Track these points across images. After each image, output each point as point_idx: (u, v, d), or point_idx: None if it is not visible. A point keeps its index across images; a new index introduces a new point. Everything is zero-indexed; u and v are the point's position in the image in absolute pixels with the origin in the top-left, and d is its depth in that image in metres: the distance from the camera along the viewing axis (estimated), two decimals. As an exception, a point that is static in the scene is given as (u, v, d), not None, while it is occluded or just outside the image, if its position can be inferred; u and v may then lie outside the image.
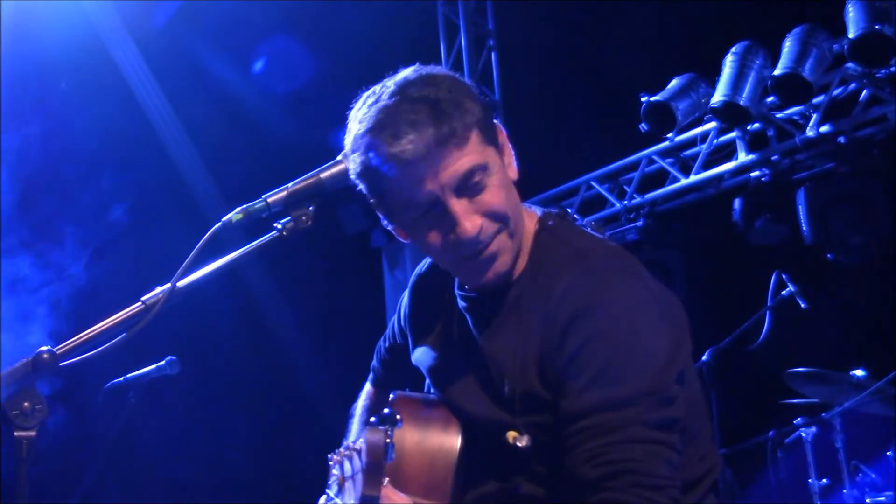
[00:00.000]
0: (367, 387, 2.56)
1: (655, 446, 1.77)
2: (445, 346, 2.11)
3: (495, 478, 1.97)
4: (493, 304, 1.98)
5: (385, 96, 1.85)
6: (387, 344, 2.42)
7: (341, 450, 1.88)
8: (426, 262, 2.25)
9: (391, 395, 2.12)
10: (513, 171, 1.94)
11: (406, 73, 1.91)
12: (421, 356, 2.17)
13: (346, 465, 1.84)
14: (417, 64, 1.94)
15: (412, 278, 2.29)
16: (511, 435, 1.90)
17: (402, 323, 2.30)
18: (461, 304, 2.05)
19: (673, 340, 1.84)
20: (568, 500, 1.82)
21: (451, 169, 1.83)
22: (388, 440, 1.73)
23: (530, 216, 2.02)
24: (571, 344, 1.81)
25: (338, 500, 1.78)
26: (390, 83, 1.89)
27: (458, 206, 1.84)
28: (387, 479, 1.83)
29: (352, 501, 1.74)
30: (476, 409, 1.99)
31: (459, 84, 1.89)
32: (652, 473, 1.75)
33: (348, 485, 1.83)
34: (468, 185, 1.85)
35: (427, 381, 2.19)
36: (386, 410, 1.77)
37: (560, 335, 1.82)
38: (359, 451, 1.79)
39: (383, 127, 1.82)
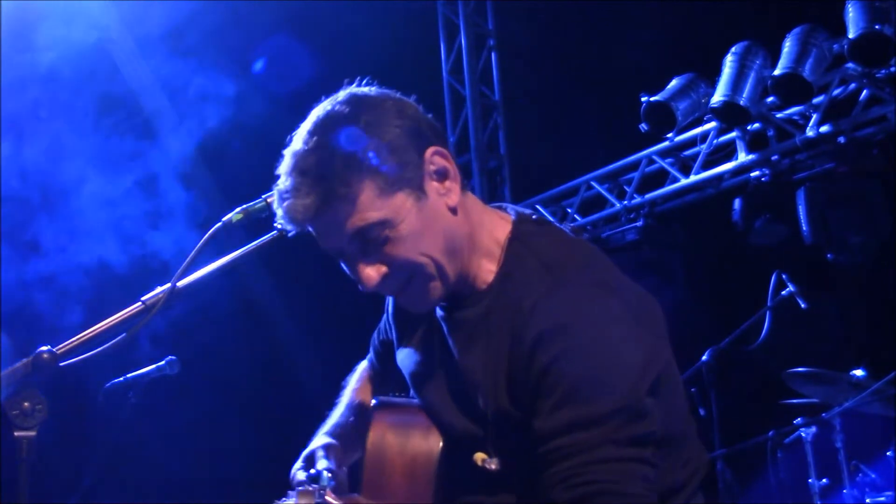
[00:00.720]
0: (364, 366, 2.53)
1: (628, 464, 1.74)
2: (426, 353, 2.08)
3: (469, 492, 1.96)
4: (464, 316, 1.94)
5: (288, 148, 1.89)
6: (380, 337, 2.40)
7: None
8: None
9: (374, 402, 2.11)
10: (451, 199, 1.86)
11: (318, 111, 1.88)
12: (403, 359, 2.15)
13: None
14: (345, 87, 1.90)
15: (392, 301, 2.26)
16: (479, 457, 1.88)
17: (389, 319, 2.28)
18: (438, 312, 2.01)
19: (645, 352, 1.79)
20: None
21: (341, 230, 1.80)
22: (318, 499, 1.78)
23: (501, 222, 1.97)
24: (540, 363, 1.77)
25: None
26: (301, 128, 1.88)
27: (355, 260, 1.84)
28: None
29: None
30: (452, 421, 1.97)
31: (364, 125, 1.80)
32: (625, 493, 1.73)
33: None
34: (366, 241, 1.81)
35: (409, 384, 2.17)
36: (313, 470, 1.84)
37: (529, 353, 1.78)
38: None
39: (280, 187, 1.84)
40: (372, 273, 1.83)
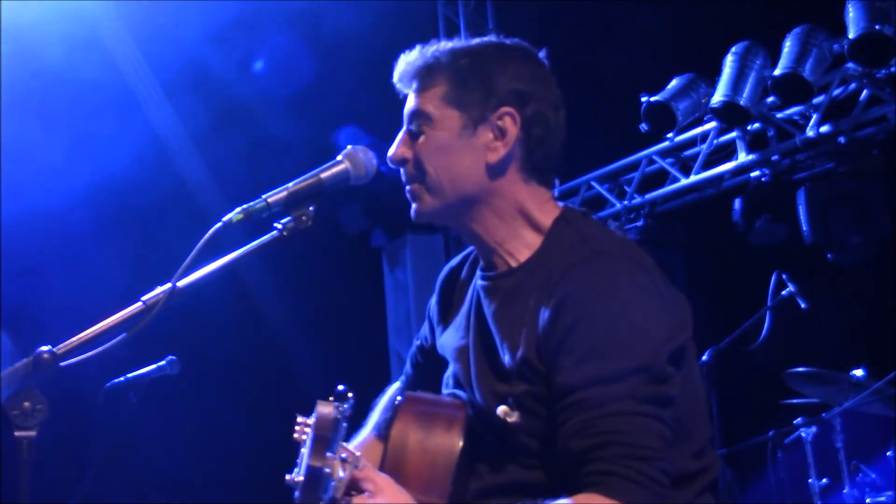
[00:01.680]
0: (395, 386, 2.58)
1: (645, 419, 1.80)
2: (464, 327, 2.15)
3: (493, 469, 1.99)
4: (504, 283, 2.04)
5: None
6: (418, 343, 2.45)
7: (299, 426, 1.92)
8: (458, 255, 2.31)
9: (399, 398, 2.14)
10: (492, 157, 2.02)
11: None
12: (444, 341, 2.22)
13: (305, 440, 1.88)
14: (517, 39, 2.14)
15: (441, 272, 2.34)
16: (502, 410, 1.94)
17: (431, 317, 2.34)
18: (480, 283, 2.11)
19: (669, 325, 1.89)
20: (559, 477, 1.84)
21: (408, 103, 2.08)
22: (337, 415, 1.76)
23: (551, 205, 2.08)
24: (567, 319, 1.86)
25: (294, 474, 1.81)
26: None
27: (402, 132, 2.09)
28: (362, 460, 1.86)
29: (301, 476, 1.77)
30: (480, 386, 2.03)
31: (474, 49, 2.06)
32: (640, 444, 1.78)
33: (302, 458, 1.87)
34: (409, 124, 2.07)
35: (447, 369, 2.22)
36: (340, 387, 1.81)
37: (557, 310, 1.87)
38: (310, 425, 1.82)
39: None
40: (399, 149, 2.08)
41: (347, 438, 2.07)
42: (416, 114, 2.04)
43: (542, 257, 2.00)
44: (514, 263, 2.04)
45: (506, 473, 1.98)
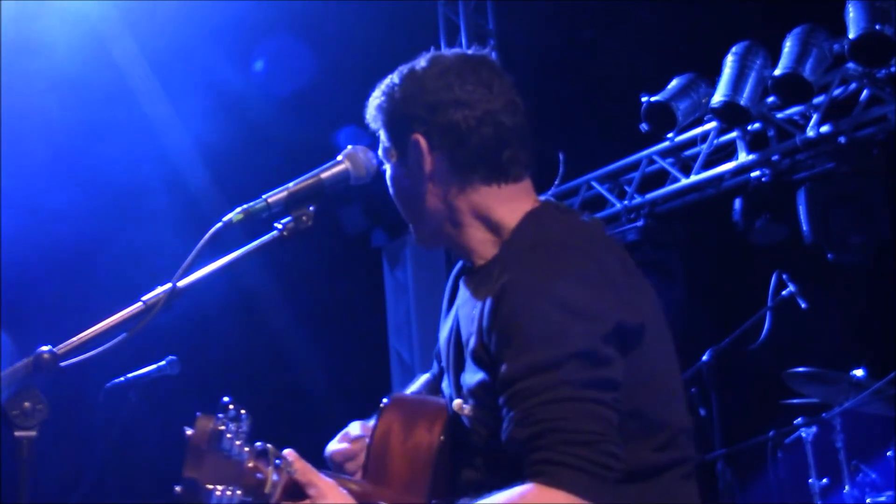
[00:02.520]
0: (425, 376, 2.59)
1: (584, 404, 1.78)
2: (450, 329, 2.18)
3: (466, 466, 2.02)
4: (469, 281, 2.11)
5: None
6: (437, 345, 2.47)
7: None
8: None
9: (385, 400, 2.16)
10: (424, 178, 2.08)
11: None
12: (440, 336, 2.27)
13: None
14: (431, 50, 2.16)
15: (452, 272, 2.37)
16: (457, 403, 1.99)
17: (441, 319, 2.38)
18: (462, 280, 2.17)
19: (606, 307, 1.87)
20: (509, 472, 1.84)
21: None
22: (218, 424, 1.80)
23: (523, 205, 2.08)
24: (503, 312, 1.88)
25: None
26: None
27: None
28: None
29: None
30: (450, 380, 2.09)
31: (389, 87, 2.12)
32: (579, 430, 1.76)
33: None
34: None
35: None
36: (225, 399, 1.85)
37: (496, 305, 1.90)
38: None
39: None
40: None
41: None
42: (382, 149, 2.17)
43: (503, 253, 2.03)
44: (481, 262, 2.08)
45: (471, 469, 2.00)
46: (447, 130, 2.03)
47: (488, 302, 1.92)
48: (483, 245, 2.08)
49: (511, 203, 2.07)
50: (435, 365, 2.46)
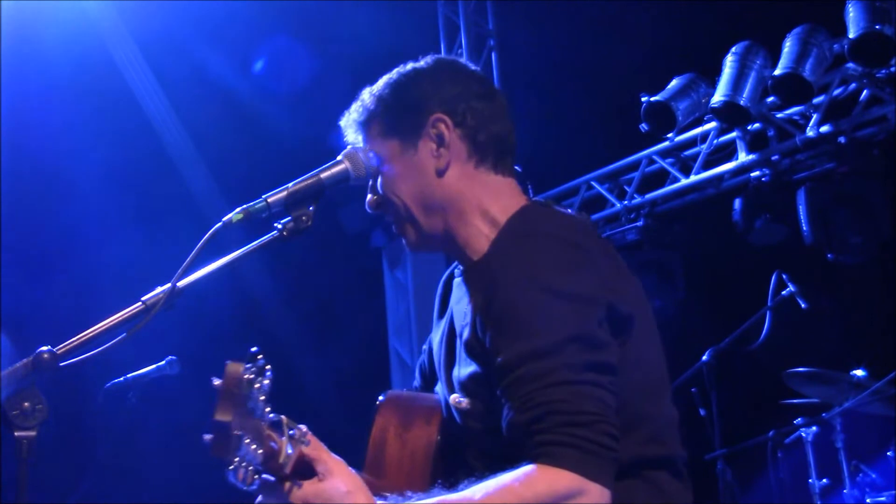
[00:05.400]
0: None
1: (582, 386, 1.81)
2: (443, 330, 2.21)
3: (467, 458, 2.04)
4: (465, 279, 2.13)
5: None
6: (425, 347, 2.48)
7: None
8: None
9: (381, 397, 2.19)
10: (440, 163, 2.11)
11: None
12: (433, 338, 2.30)
13: None
14: (430, 56, 2.23)
15: (442, 277, 2.39)
16: (454, 398, 2.01)
17: (433, 316, 2.39)
18: (454, 281, 2.21)
19: (595, 291, 1.91)
20: (507, 462, 1.85)
21: None
22: (246, 373, 1.74)
23: (514, 202, 2.13)
24: (496, 303, 1.91)
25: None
26: None
27: (369, 184, 2.19)
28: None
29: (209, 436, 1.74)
30: (443, 376, 2.11)
31: (392, 81, 2.17)
32: (579, 411, 1.79)
33: None
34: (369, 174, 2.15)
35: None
36: (253, 349, 1.81)
37: (488, 295, 1.93)
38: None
39: None
40: (369, 198, 2.18)
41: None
42: None
43: (493, 249, 2.06)
44: (475, 258, 2.11)
45: (467, 467, 2.01)
46: (469, 112, 2.12)
47: (481, 295, 1.95)
48: (479, 239, 2.10)
49: (505, 198, 2.14)
50: (418, 378, 2.47)
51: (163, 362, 4.55)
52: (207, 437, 1.72)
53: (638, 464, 1.94)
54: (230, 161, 6.96)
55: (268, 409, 1.79)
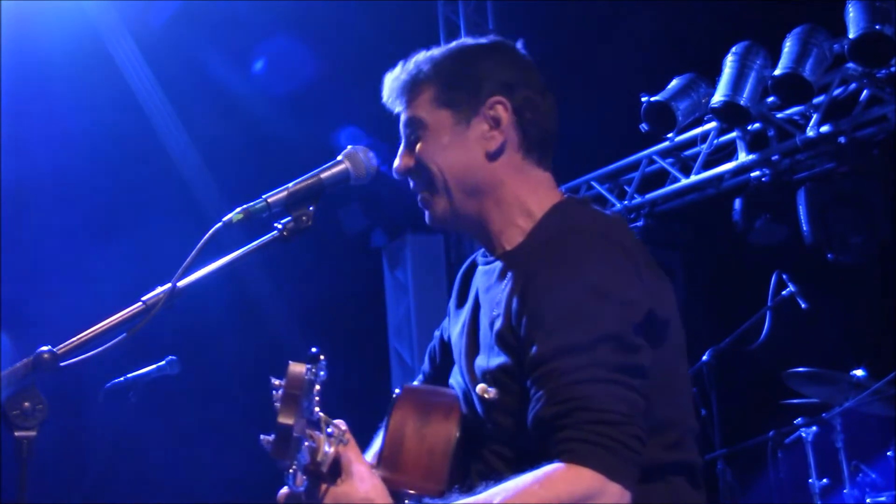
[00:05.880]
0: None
1: (613, 386, 1.80)
2: (466, 316, 2.19)
3: (487, 452, 2.01)
4: (496, 268, 2.10)
5: None
6: (438, 333, 2.47)
7: (274, 391, 1.88)
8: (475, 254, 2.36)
9: (397, 391, 2.16)
10: (490, 145, 2.10)
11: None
12: (452, 330, 2.27)
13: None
14: (491, 34, 2.30)
15: (462, 267, 2.38)
16: (481, 387, 1.97)
17: (448, 312, 2.37)
18: (480, 269, 2.19)
19: (637, 296, 1.90)
20: (531, 456, 1.83)
21: (401, 116, 2.17)
22: (309, 375, 1.70)
23: (552, 195, 2.15)
24: (535, 294, 1.90)
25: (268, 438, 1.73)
26: None
27: (401, 146, 2.17)
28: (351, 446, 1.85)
29: (270, 438, 1.70)
30: (466, 366, 2.08)
31: (454, 51, 2.16)
32: (608, 409, 1.77)
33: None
34: (409, 134, 2.15)
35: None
36: (313, 349, 1.76)
37: (527, 286, 1.92)
38: (279, 388, 1.76)
39: None
40: (402, 160, 2.16)
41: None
42: (411, 122, 2.13)
43: (530, 240, 2.06)
44: (508, 248, 2.10)
45: (486, 462, 2.00)
46: (526, 103, 2.12)
47: (519, 286, 1.94)
48: (513, 230, 2.10)
49: (542, 191, 2.14)
50: (427, 364, 2.46)
51: (163, 362, 4.55)
52: (267, 438, 1.70)
53: (659, 468, 1.93)
54: (230, 161, 6.96)
55: (317, 409, 1.77)
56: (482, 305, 2.10)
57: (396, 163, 2.16)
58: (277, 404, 1.72)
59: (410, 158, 2.14)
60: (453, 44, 2.19)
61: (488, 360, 1.99)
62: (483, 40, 2.20)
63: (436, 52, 2.16)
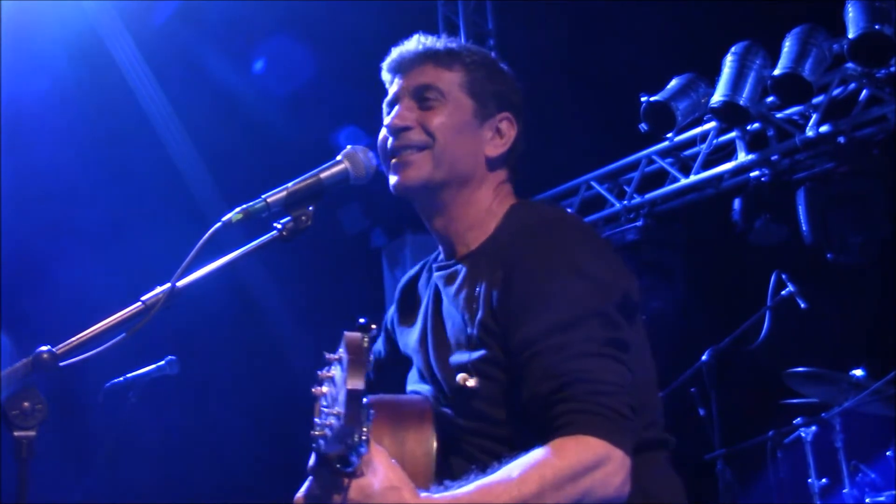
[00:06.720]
0: None
1: (604, 359, 1.87)
2: (422, 321, 2.24)
3: (466, 445, 2.04)
4: (461, 266, 2.16)
5: None
6: (382, 345, 2.50)
7: (322, 373, 1.83)
8: (416, 265, 2.46)
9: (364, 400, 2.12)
10: (490, 150, 2.21)
11: None
12: (407, 340, 2.30)
13: (327, 387, 1.75)
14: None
15: (400, 282, 2.49)
16: (461, 377, 2.01)
17: (388, 327, 2.44)
18: (436, 275, 2.23)
19: (615, 275, 2.01)
20: (520, 440, 1.87)
21: (418, 77, 2.19)
22: (365, 342, 1.66)
23: (506, 200, 2.23)
24: (519, 280, 1.97)
25: (320, 422, 1.65)
26: None
27: (405, 103, 2.19)
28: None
29: (339, 409, 1.61)
30: (439, 363, 2.11)
31: (490, 61, 2.28)
32: (603, 381, 1.84)
33: (329, 397, 1.72)
34: (422, 97, 2.17)
35: (410, 369, 2.27)
36: (361, 320, 1.72)
37: (509, 274, 1.99)
38: (339, 360, 1.70)
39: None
40: (406, 115, 2.17)
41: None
42: (432, 87, 2.18)
43: (495, 237, 2.15)
44: (473, 247, 2.17)
45: (473, 448, 2.02)
46: (521, 127, 2.27)
47: (498, 277, 1.99)
48: (477, 231, 2.18)
49: (506, 198, 2.26)
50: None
51: (162, 362, 4.55)
52: (327, 421, 1.63)
53: (641, 444, 1.97)
54: (230, 161, 6.96)
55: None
56: (454, 306, 2.12)
57: (399, 115, 2.18)
58: (331, 379, 1.70)
59: (419, 117, 2.17)
60: (485, 52, 2.32)
61: (469, 353, 2.02)
62: (500, 63, 2.32)
63: (473, 48, 2.27)
